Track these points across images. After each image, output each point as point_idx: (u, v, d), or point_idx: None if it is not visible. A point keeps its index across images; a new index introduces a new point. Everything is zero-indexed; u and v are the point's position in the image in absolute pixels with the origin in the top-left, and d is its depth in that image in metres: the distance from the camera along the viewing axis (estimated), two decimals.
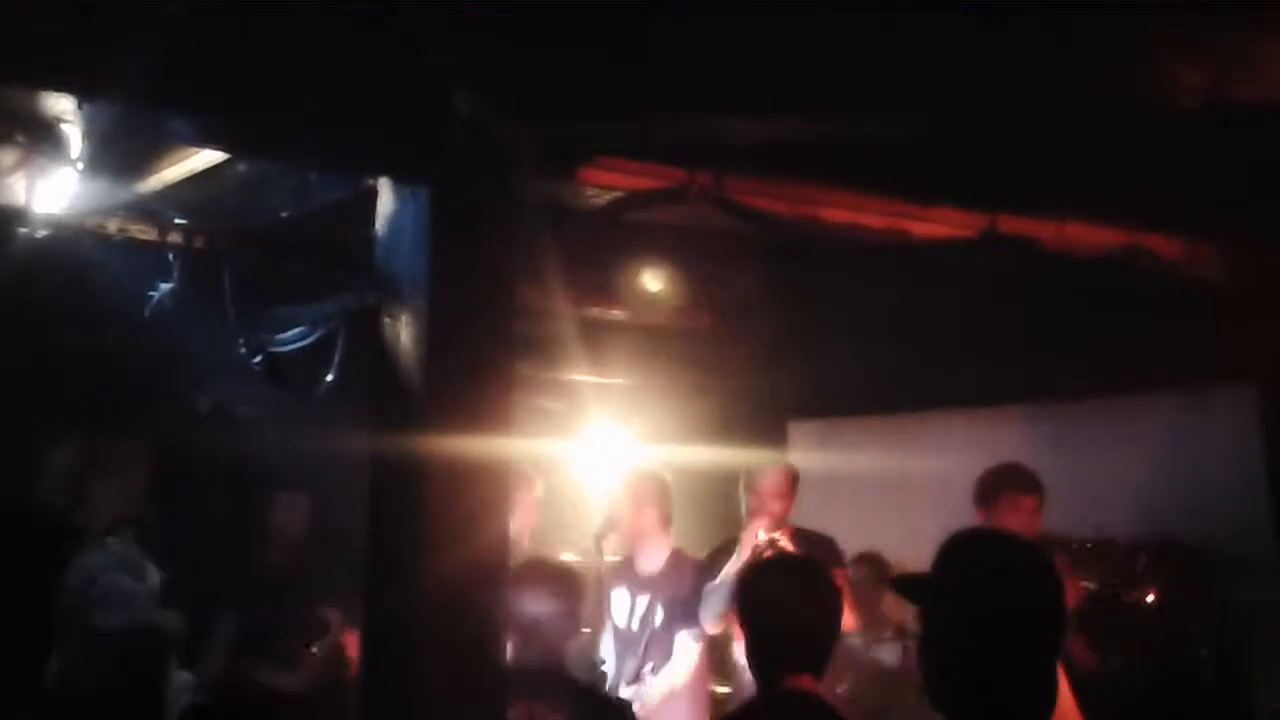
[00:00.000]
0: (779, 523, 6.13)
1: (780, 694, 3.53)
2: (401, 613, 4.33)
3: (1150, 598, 5.49)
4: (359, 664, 4.80)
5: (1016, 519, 5.67)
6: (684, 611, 6.18)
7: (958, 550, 2.70)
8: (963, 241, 5.51)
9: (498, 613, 4.43)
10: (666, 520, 6.45)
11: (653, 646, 6.21)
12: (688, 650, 6.17)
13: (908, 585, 2.83)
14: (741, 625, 3.73)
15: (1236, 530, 6.05)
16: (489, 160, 4.47)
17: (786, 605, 3.64)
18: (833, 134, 4.74)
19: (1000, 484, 5.81)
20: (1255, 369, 5.89)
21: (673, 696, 6.13)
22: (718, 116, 4.63)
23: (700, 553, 6.50)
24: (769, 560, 4.45)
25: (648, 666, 6.18)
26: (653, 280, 6.99)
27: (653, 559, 6.41)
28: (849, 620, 5.91)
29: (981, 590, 2.61)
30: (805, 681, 3.53)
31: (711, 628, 6.12)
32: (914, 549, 2.74)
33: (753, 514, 6.21)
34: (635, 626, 6.30)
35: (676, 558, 6.38)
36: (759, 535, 6.03)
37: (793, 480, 6.34)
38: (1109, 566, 5.58)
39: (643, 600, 6.33)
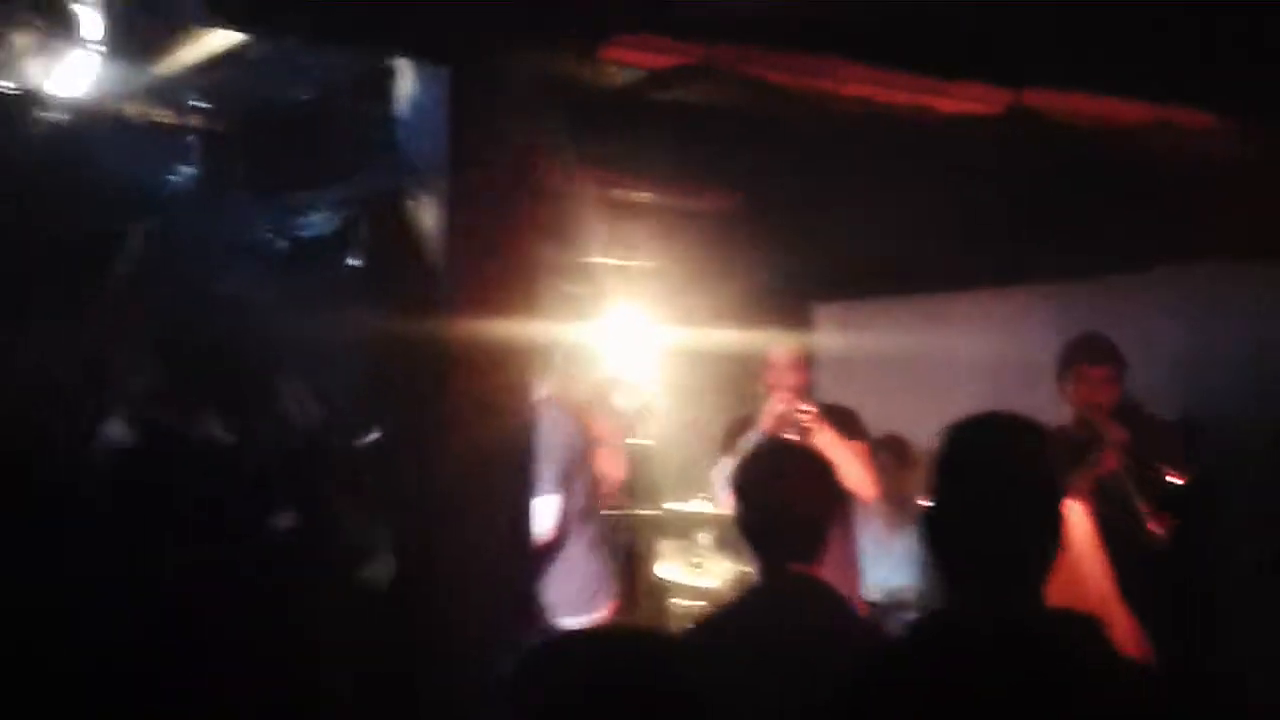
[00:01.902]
0: (800, 395, 6.13)
1: (782, 578, 3.55)
2: (426, 495, 4.37)
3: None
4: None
5: (1084, 390, 5.68)
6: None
7: (952, 433, 2.76)
8: (988, 118, 5.44)
9: (521, 495, 4.46)
10: None
11: None
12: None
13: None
14: (736, 511, 3.75)
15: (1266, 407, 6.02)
16: (510, 40, 4.43)
17: (774, 494, 3.64)
18: (856, 7, 4.67)
19: (1069, 356, 5.79)
20: None
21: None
22: None
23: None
24: (760, 448, 4.41)
25: None
26: None
27: None
28: (868, 491, 5.97)
29: (971, 470, 2.70)
30: (806, 566, 3.55)
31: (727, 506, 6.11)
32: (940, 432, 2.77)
33: (771, 389, 6.19)
34: None
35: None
36: (779, 408, 6.02)
37: (803, 356, 6.33)
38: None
39: None
